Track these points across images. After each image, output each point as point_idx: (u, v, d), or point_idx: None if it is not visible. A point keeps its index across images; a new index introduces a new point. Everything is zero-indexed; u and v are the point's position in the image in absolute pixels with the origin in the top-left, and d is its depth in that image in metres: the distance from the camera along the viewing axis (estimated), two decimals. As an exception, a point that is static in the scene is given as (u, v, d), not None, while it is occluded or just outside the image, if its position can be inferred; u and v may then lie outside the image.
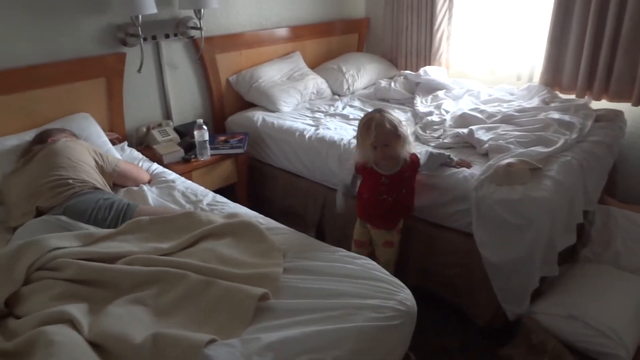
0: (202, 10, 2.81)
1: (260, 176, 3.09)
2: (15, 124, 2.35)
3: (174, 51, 2.98)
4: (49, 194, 1.89)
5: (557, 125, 2.45)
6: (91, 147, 2.20)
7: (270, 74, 3.31)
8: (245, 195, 2.98)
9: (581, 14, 2.86)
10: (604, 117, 2.65)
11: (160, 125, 2.89)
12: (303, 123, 2.93)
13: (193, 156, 2.71)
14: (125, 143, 2.70)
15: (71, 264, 1.45)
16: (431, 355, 2.09)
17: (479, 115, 2.67)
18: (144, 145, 2.85)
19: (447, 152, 2.31)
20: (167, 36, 2.87)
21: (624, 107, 2.84)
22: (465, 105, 2.91)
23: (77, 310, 1.31)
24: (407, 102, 3.22)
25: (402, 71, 3.59)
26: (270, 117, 3.04)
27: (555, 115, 2.55)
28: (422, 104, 3.07)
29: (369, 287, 1.45)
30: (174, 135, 2.86)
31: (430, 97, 3.15)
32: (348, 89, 3.53)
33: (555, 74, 3.09)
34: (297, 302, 1.38)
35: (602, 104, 2.92)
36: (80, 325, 1.26)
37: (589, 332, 1.95)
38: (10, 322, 1.34)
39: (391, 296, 1.43)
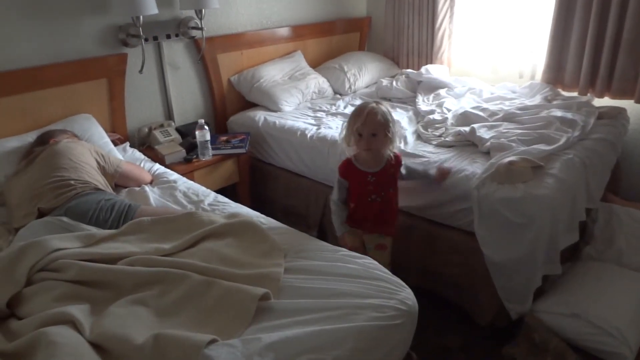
0: (203, 10, 2.81)
1: (262, 176, 3.09)
2: (17, 125, 2.35)
3: (175, 51, 2.98)
4: (51, 195, 1.89)
5: (560, 123, 2.44)
6: (93, 147, 2.21)
7: (272, 73, 3.31)
8: (247, 195, 2.99)
9: (583, 10, 2.85)
10: (606, 115, 2.64)
11: (161, 125, 2.89)
12: (305, 122, 2.93)
13: (195, 156, 2.71)
14: (127, 144, 2.71)
15: (73, 265, 1.46)
16: (433, 354, 2.09)
17: (480, 113, 2.66)
18: (146, 145, 2.86)
19: (427, 164, 2.28)
20: (168, 36, 2.87)
21: (627, 104, 2.83)
22: (467, 104, 2.90)
23: (78, 311, 1.32)
24: (408, 101, 3.21)
25: (404, 70, 3.58)
26: (272, 117, 3.04)
27: (558, 112, 2.55)
28: (423, 103, 3.06)
29: (370, 287, 1.45)
30: (175, 135, 2.87)
31: (432, 95, 3.14)
32: (350, 88, 3.53)
33: (557, 72, 3.08)
34: (298, 302, 1.38)
35: (605, 101, 2.91)
36: (82, 326, 1.26)
37: (592, 330, 1.94)
38: (12, 323, 1.35)
39: (392, 296, 1.42)
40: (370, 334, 1.31)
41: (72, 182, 1.94)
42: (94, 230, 1.73)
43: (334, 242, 1.90)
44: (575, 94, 3.00)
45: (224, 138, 2.93)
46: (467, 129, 2.47)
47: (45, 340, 1.19)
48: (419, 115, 2.91)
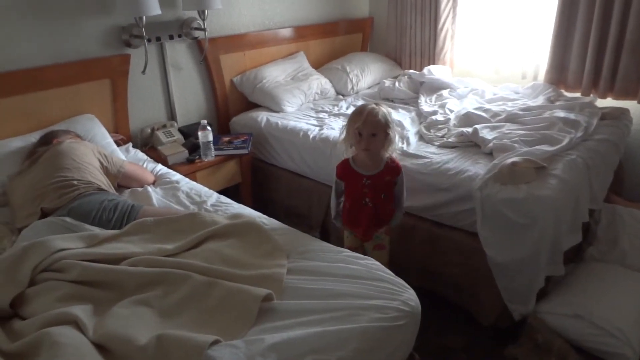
0: (206, 11, 2.82)
1: (265, 177, 3.09)
2: (20, 126, 2.36)
3: (178, 52, 2.99)
4: (54, 195, 1.89)
5: (562, 123, 2.43)
6: (96, 148, 2.21)
7: (274, 74, 3.31)
8: (250, 196, 2.99)
9: (586, 11, 2.84)
10: (609, 115, 2.64)
11: (164, 126, 2.90)
12: (307, 123, 2.93)
13: (197, 157, 2.72)
14: (130, 144, 2.71)
15: (76, 265, 1.46)
16: (435, 355, 2.08)
17: (483, 114, 2.66)
18: (149, 146, 2.86)
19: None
20: (171, 37, 2.87)
21: (630, 104, 2.82)
22: (469, 105, 2.90)
23: (81, 311, 1.32)
24: (411, 102, 3.21)
25: (406, 70, 3.58)
26: (274, 118, 3.04)
27: (561, 113, 2.54)
28: (426, 104, 3.06)
29: (373, 288, 1.44)
30: (178, 136, 2.87)
31: (434, 96, 3.14)
32: (352, 88, 3.53)
33: (560, 72, 3.07)
34: (300, 303, 1.38)
35: (608, 102, 2.90)
36: (85, 326, 1.26)
37: (595, 331, 1.94)
38: (16, 324, 1.35)
39: (395, 296, 1.42)
40: (373, 335, 1.31)
41: (75, 182, 1.95)
42: (97, 230, 1.73)
43: (337, 243, 1.90)
44: (578, 94, 3.00)
45: (227, 139, 2.93)
46: (469, 129, 2.47)
47: (48, 340, 1.19)
48: (421, 116, 2.91)
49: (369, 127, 1.92)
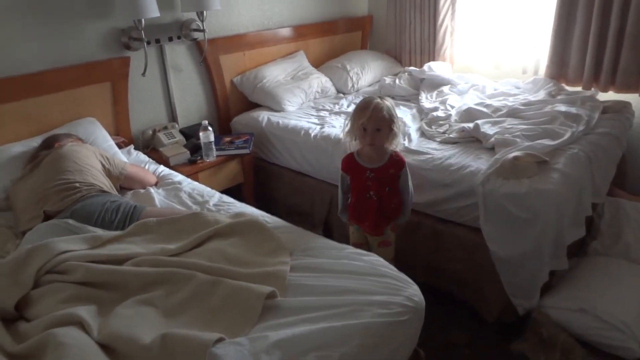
0: (205, 12, 2.82)
1: (267, 176, 3.09)
2: (22, 130, 2.37)
3: (178, 54, 2.99)
4: (56, 197, 1.90)
5: (564, 117, 2.43)
6: (98, 150, 2.22)
7: (274, 73, 3.31)
8: (252, 195, 2.99)
9: (586, 4, 2.84)
10: (611, 109, 2.63)
11: (165, 127, 2.90)
12: (308, 122, 2.93)
13: (199, 158, 2.72)
14: (132, 146, 2.72)
15: (79, 266, 1.46)
16: (440, 351, 2.08)
17: (484, 109, 2.65)
18: (150, 148, 2.87)
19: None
20: (170, 39, 2.88)
21: (632, 98, 2.82)
22: (470, 100, 2.90)
23: (86, 312, 1.32)
24: (412, 98, 3.21)
25: (407, 67, 3.58)
26: (275, 117, 3.04)
27: (562, 107, 2.54)
28: (427, 100, 3.06)
29: (377, 284, 1.45)
30: (179, 137, 2.88)
31: (435, 92, 3.14)
32: (353, 86, 3.53)
33: (561, 67, 3.07)
34: (304, 300, 1.39)
35: (609, 96, 2.89)
36: (90, 327, 1.27)
37: (600, 325, 1.93)
38: (21, 326, 1.36)
39: (399, 292, 1.42)
40: (377, 331, 1.31)
41: (78, 184, 1.95)
42: (100, 232, 1.73)
43: (340, 240, 1.90)
44: (579, 88, 2.99)
45: (228, 139, 2.94)
46: (471, 125, 2.47)
47: (53, 341, 1.19)
48: (422, 113, 2.91)
49: (373, 123, 1.94)
